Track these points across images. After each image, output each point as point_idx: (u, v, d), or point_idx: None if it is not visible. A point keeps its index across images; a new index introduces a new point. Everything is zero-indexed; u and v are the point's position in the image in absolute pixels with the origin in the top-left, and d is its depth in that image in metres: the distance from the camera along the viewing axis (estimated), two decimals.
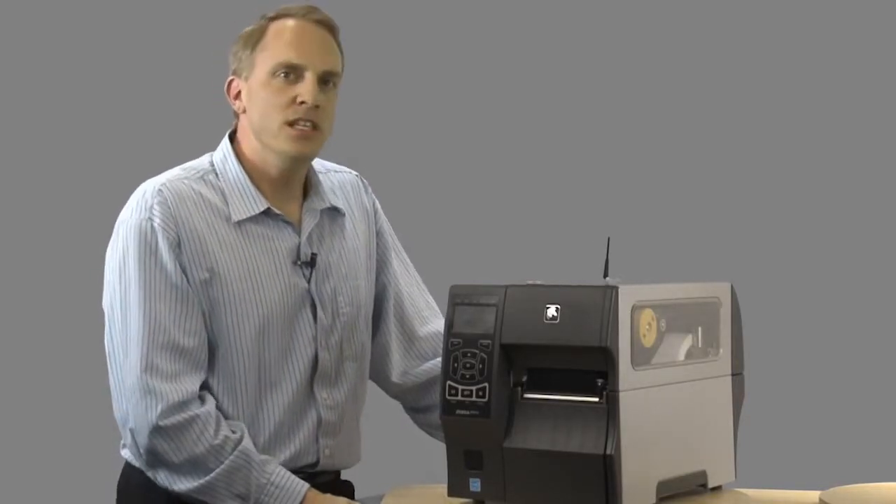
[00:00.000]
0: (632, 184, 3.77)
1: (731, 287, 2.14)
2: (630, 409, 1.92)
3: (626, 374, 1.92)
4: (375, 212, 2.42)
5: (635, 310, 1.94)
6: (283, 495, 2.10)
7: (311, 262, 2.23)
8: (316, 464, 2.25)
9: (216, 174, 2.22)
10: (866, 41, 3.76)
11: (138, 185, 2.22)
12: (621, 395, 1.91)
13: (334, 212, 2.30)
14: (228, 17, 2.88)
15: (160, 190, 2.16)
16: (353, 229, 2.33)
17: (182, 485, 2.10)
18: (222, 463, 2.08)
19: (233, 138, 2.27)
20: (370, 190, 2.42)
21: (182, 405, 2.09)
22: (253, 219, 2.20)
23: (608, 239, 2.05)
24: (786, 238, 3.67)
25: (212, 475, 2.08)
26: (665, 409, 2.00)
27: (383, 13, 3.45)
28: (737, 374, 2.15)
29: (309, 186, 2.28)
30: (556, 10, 3.84)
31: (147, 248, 2.12)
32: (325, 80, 2.19)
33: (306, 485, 2.11)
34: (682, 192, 3.75)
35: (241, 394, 2.18)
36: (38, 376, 3.76)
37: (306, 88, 2.16)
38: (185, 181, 2.19)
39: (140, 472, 2.19)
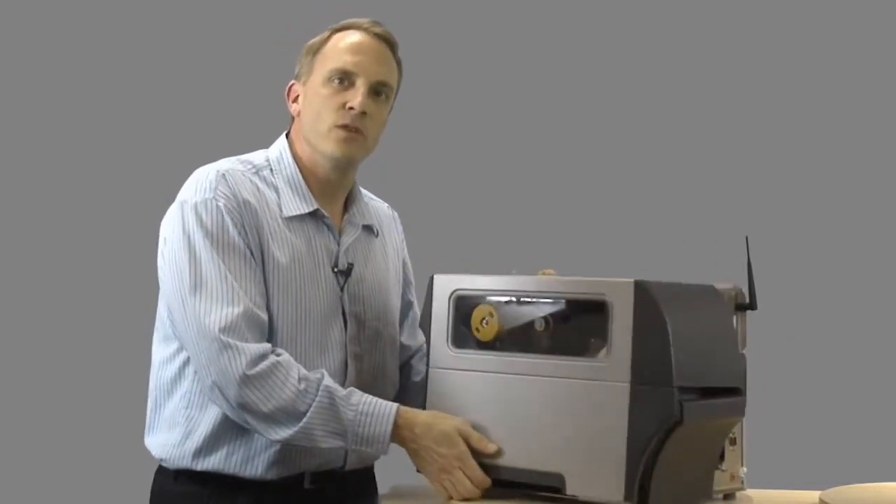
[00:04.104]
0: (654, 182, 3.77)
1: (635, 285, 2.00)
2: (441, 384, 2.21)
3: (441, 354, 2.22)
4: (403, 241, 2.53)
5: (464, 299, 2.20)
6: (375, 422, 2.12)
7: (347, 272, 2.30)
8: (343, 466, 2.30)
9: (271, 170, 2.30)
10: (864, 50, 3.77)
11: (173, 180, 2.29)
12: (431, 371, 2.23)
13: (370, 231, 2.39)
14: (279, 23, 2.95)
15: (223, 175, 2.23)
16: (384, 252, 2.42)
17: (280, 433, 2.12)
18: (311, 405, 2.11)
19: (287, 139, 2.35)
20: (399, 222, 2.53)
21: (262, 356, 2.12)
22: (299, 217, 2.27)
23: (746, 238, 2.14)
24: (785, 239, 3.67)
25: (305, 419, 2.11)
26: (494, 396, 2.12)
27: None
28: (645, 385, 1.98)
29: (351, 199, 2.37)
30: (556, 14, 3.85)
31: (214, 225, 2.18)
32: (377, 90, 2.28)
33: (395, 405, 2.14)
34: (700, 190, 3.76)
35: None
36: (62, 376, 3.79)
37: (356, 95, 2.25)
38: (243, 173, 2.26)
39: (174, 475, 2.25)
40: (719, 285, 2.15)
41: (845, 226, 3.75)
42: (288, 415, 2.11)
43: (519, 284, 2.16)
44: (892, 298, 3.71)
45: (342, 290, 2.29)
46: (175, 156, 3.36)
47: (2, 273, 3.84)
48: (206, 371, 2.13)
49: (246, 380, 2.10)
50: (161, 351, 2.28)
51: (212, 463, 2.22)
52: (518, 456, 2.09)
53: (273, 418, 2.11)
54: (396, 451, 2.45)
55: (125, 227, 3.64)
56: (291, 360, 2.15)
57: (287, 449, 2.21)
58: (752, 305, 2.15)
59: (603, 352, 2.03)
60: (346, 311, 2.29)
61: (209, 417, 2.22)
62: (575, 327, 2.12)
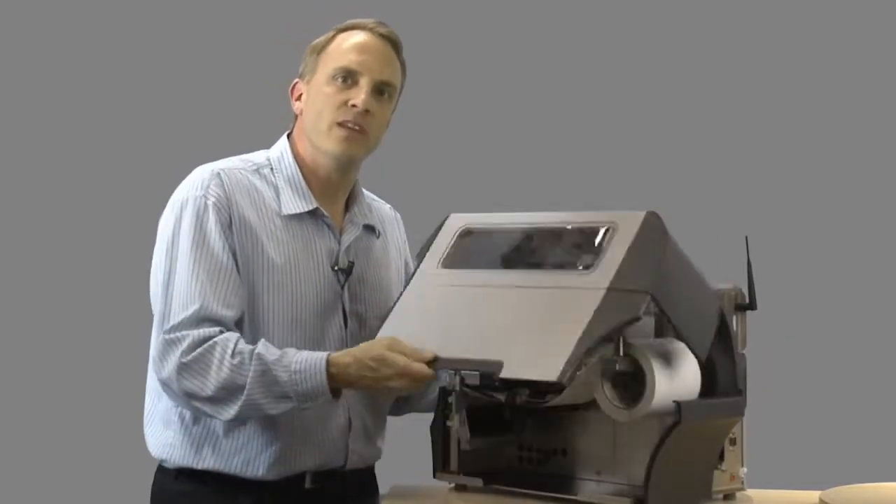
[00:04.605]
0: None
1: (647, 216, 2.07)
2: (412, 299, 2.23)
3: (426, 271, 2.25)
4: (405, 242, 2.53)
5: (470, 233, 2.25)
6: (309, 377, 2.11)
7: (348, 271, 2.30)
8: (343, 466, 2.30)
9: (271, 169, 2.31)
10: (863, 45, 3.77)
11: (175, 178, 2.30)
12: (407, 289, 2.25)
13: (372, 230, 2.39)
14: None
15: (218, 173, 2.24)
16: (385, 252, 2.43)
17: (228, 412, 2.13)
18: (247, 377, 2.11)
19: (289, 139, 2.36)
20: (402, 223, 2.53)
21: (202, 340, 2.13)
22: (299, 216, 2.28)
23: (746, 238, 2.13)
24: (785, 239, 3.67)
25: (245, 391, 2.11)
26: (466, 307, 2.14)
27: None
28: (621, 290, 2.00)
29: (353, 199, 2.37)
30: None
31: (198, 223, 2.19)
32: (381, 90, 2.28)
33: (324, 355, 2.14)
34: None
35: None
36: (62, 375, 3.79)
37: (359, 94, 2.25)
38: (242, 171, 2.28)
39: (174, 474, 2.26)
40: (719, 285, 2.15)
41: (845, 226, 3.75)
42: (229, 392, 2.11)
43: (532, 220, 2.20)
44: (891, 298, 3.71)
45: (343, 288, 2.29)
46: (177, 156, 3.36)
47: (2, 272, 3.84)
48: (155, 368, 2.16)
49: (182, 368, 2.11)
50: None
51: (212, 463, 2.23)
52: (466, 351, 2.08)
53: (217, 399, 2.11)
54: (396, 451, 2.46)
55: (126, 225, 3.65)
56: (232, 336, 2.14)
57: (287, 448, 2.22)
58: (751, 305, 2.15)
59: (593, 264, 2.05)
60: (347, 309, 2.30)
61: (206, 420, 2.22)
62: (572, 246, 2.14)
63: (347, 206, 2.37)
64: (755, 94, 3.80)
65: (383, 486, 2.36)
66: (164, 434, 2.27)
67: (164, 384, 2.16)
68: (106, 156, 3.84)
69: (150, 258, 2.26)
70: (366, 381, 2.11)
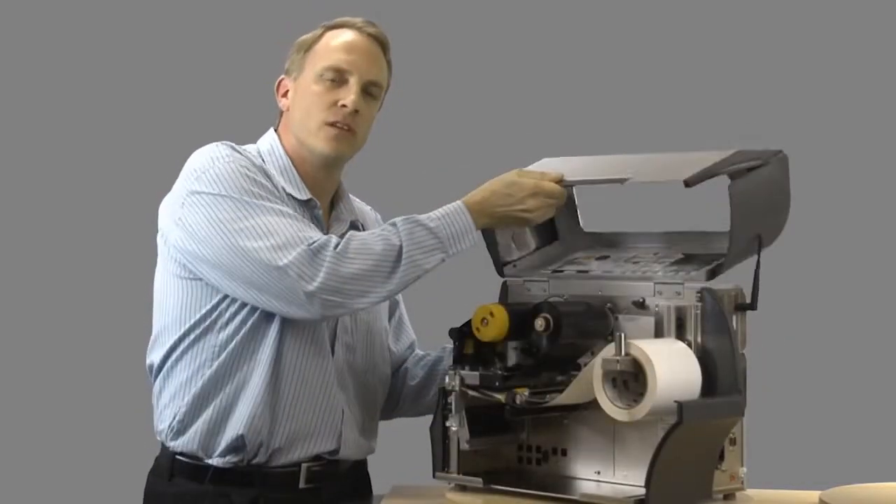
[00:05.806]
0: None
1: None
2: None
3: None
4: None
5: None
6: (455, 221, 2.19)
7: None
8: (336, 451, 2.30)
9: (262, 160, 2.31)
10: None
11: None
12: None
13: (357, 228, 2.39)
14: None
15: (230, 145, 2.27)
16: None
17: (391, 281, 2.15)
18: (401, 236, 2.15)
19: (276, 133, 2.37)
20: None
21: (340, 238, 2.15)
22: (296, 202, 2.28)
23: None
24: (785, 239, 3.67)
25: (404, 252, 2.14)
26: (585, 164, 2.37)
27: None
28: (749, 150, 2.29)
29: (338, 196, 2.39)
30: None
31: (249, 179, 2.20)
32: (368, 90, 2.30)
33: (457, 202, 2.21)
34: None
35: (264, 360, 2.23)
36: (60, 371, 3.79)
37: (348, 93, 2.27)
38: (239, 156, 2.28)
39: (168, 474, 2.26)
40: (720, 286, 2.16)
41: (845, 226, 3.75)
42: (390, 257, 2.14)
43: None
44: (891, 298, 3.71)
45: None
46: (157, 154, 3.38)
47: None
48: (304, 284, 2.11)
49: (338, 257, 2.12)
50: (156, 351, 2.31)
51: (206, 430, 2.23)
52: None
53: (379, 270, 2.13)
54: (396, 451, 2.46)
55: (106, 223, 3.67)
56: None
57: (276, 417, 2.23)
58: (752, 305, 2.15)
59: None
60: None
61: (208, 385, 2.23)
62: None
63: (333, 203, 2.39)
64: (758, 94, 3.80)
65: (384, 487, 2.36)
66: (167, 409, 2.28)
67: (320, 290, 2.11)
68: (85, 154, 3.85)
69: (139, 257, 2.26)
70: (503, 209, 2.21)
